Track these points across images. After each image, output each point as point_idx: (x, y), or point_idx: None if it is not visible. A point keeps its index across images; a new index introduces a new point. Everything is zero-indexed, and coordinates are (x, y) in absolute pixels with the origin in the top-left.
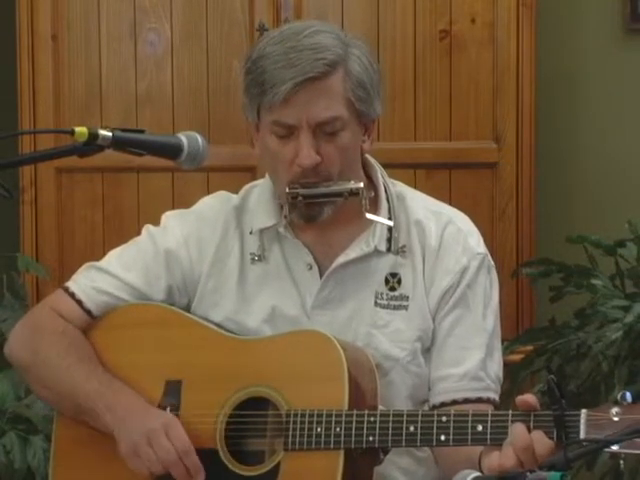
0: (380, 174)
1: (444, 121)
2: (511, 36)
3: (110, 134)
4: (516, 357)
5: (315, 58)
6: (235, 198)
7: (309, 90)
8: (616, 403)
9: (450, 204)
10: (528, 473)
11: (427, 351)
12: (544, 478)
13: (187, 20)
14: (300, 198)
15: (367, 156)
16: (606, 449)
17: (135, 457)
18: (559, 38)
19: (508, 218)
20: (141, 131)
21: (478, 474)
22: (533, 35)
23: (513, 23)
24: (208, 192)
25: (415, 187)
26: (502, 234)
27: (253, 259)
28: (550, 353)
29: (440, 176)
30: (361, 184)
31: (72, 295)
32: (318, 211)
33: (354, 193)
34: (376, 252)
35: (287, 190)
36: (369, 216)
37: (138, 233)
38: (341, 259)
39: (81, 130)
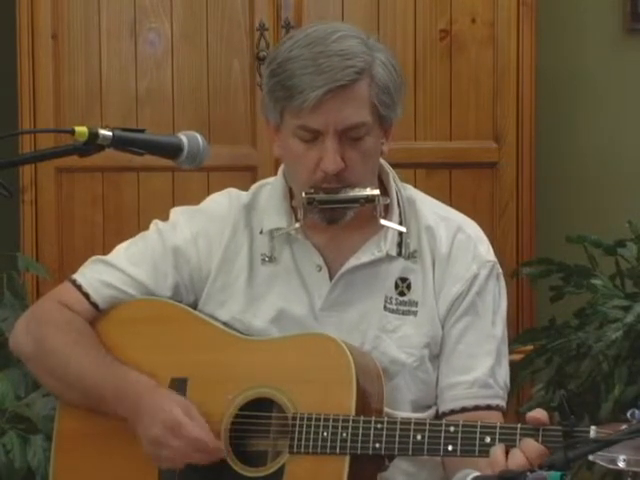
0: (392, 178)
1: (444, 121)
2: (511, 36)
3: (110, 133)
4: (516, 357)
5: (345, 65)
6: (244, 196)
7: (338, 97)
8: (626, 420)
9: (450, 204)
10: (528, 473)
11: (435, 358)
12: (544, 478)
13: (187, 20)
14: (315, 203)
15: (380, 160)
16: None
17: (160, 449)
18: (559, 38)
19: (508, 218)
20: (141, 131)
21: (478, 474)
22: (533, 35)
23: (513, 23)
24: (208, 192)
25: (415, 187)
26: (502, 234)
27: (264, 260)
28: (550, 353)
29: (440, 176)
30: (377, 191)
31: (79, 287)
32: (341, 214)
33: (370, 200)
34: (387, 257)
35: (303, 194)
36: (383, 222)
37: (138, 233)
38: (352, 262)
39: (81, 130)
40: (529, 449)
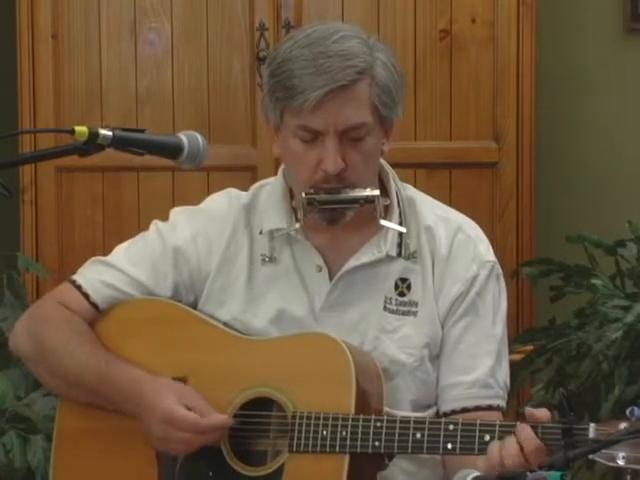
0: (392, 178)
1: (444, 121)
2: (511, 36)
3: (110, 133)
4: (516, 357)
5: (346, 66)
6: (244, 196)
7: (338, 97)
8: (625, 418)
9: (450, 204)
10: (528, 473)
11: (435, 358)
12: (544, 478)
13: (187, 20)
14: (316, 203)
15: (380, 160)
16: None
17: (167, 444)
18: (559, 38)
19: (508, 218)
20: (141, 130)
21: (478, 474)
22: (533, 35)
23: (513, 23)
24: (208, 192)
25: (415, 187)
26: (502, 234)
27: (264, 260)
28: (550, 353)
29: (440, 176)
30: (377, 192)
31: (79, 288)
32: (341, 214)
33: (370, 200)
34: (387, 257)
35: (303, 195)
36: (383, 222)
37: (138, 233)
38: (352, 262)
39: (81, 129)
40: (523, 434)
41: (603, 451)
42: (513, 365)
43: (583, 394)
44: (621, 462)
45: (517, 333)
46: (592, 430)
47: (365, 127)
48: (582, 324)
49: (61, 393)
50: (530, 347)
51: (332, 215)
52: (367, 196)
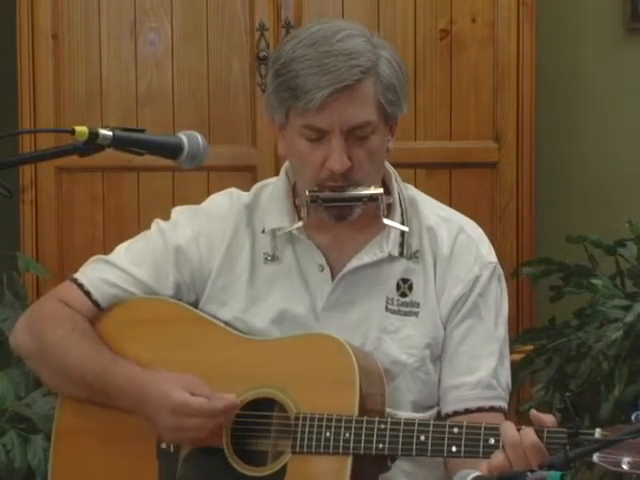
0: (394, 179)
1: (444, 121)
2: (511, 36)
3: (110, 133)
4: (516, 357)
5: (351, 65)
6: (246, 196)
7: (343, 96)
8: (630, 423)
9: (450, 204)
10: (528, 473)
11: (437, 359)
12: (544, 478)
13: (187, 20)
14: (320, 201)
15: None
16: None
17: (181, 432)
18: (559, 38)
19: (508, 218)
20: (141, 130)
21: (478, 474)
22: (533, 35)
23: (513, 22)
24: (208, 192)
25: (415, 187)
26: (502, 234)
27: (266, 259)
28: (550, 353)
29: (440, 176)
30: (380, 190)
31: (80, 286)
32: (348, 211)
33: (373, 199)
34: (389, 257)
35: (307, 192)
36: (386, 221)
37: (138, 233)
38: (354, 262)
39: (81, 129)
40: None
41: (607, 456)
42: (513, 365)
43: (583, 394)
44: (625, 467)
45: (517, 333)
46: (598, 435)
47: (370, 125)
48: (582, 324)
49: (61, 391)
50: (530, 347)
51: (340, 212)
52: (371, 194)
